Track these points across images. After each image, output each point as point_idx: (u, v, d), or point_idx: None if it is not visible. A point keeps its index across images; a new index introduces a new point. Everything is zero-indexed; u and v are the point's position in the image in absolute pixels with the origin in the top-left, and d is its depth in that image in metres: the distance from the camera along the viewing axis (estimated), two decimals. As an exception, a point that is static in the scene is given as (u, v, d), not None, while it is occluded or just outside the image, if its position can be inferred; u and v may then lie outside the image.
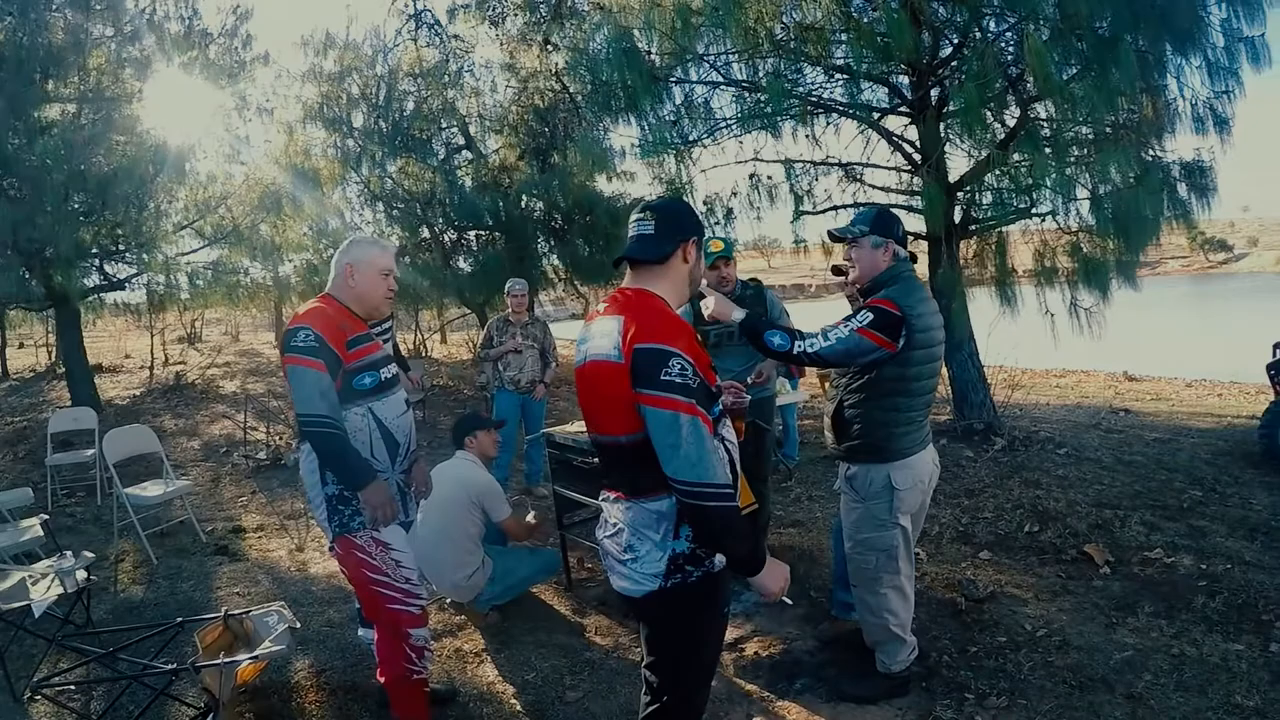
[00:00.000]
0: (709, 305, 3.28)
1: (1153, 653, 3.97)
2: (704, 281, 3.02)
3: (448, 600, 4.88)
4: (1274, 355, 7.95)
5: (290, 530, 6.52)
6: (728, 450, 2.34)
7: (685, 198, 8.24)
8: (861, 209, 3.62)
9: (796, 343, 3.20)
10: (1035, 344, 8.15)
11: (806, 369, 8.57)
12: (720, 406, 2.37)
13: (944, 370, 8.21)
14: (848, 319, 3.24)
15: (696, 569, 2.29)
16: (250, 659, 3.68)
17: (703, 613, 2.37)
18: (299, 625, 4.14)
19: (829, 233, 3.69)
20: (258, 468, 8.71)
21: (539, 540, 5.64)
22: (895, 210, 8.03)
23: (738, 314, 3.30)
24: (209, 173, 13.88)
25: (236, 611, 4.12)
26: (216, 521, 6.94)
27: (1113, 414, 10.16)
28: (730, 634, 4.26)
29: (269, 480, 8.26)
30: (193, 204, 13.46)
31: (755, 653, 4.16)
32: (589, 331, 2.37)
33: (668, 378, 2.14)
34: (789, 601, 2.65)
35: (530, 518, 4.99)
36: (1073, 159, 7.39)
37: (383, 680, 3.47)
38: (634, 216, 2.42)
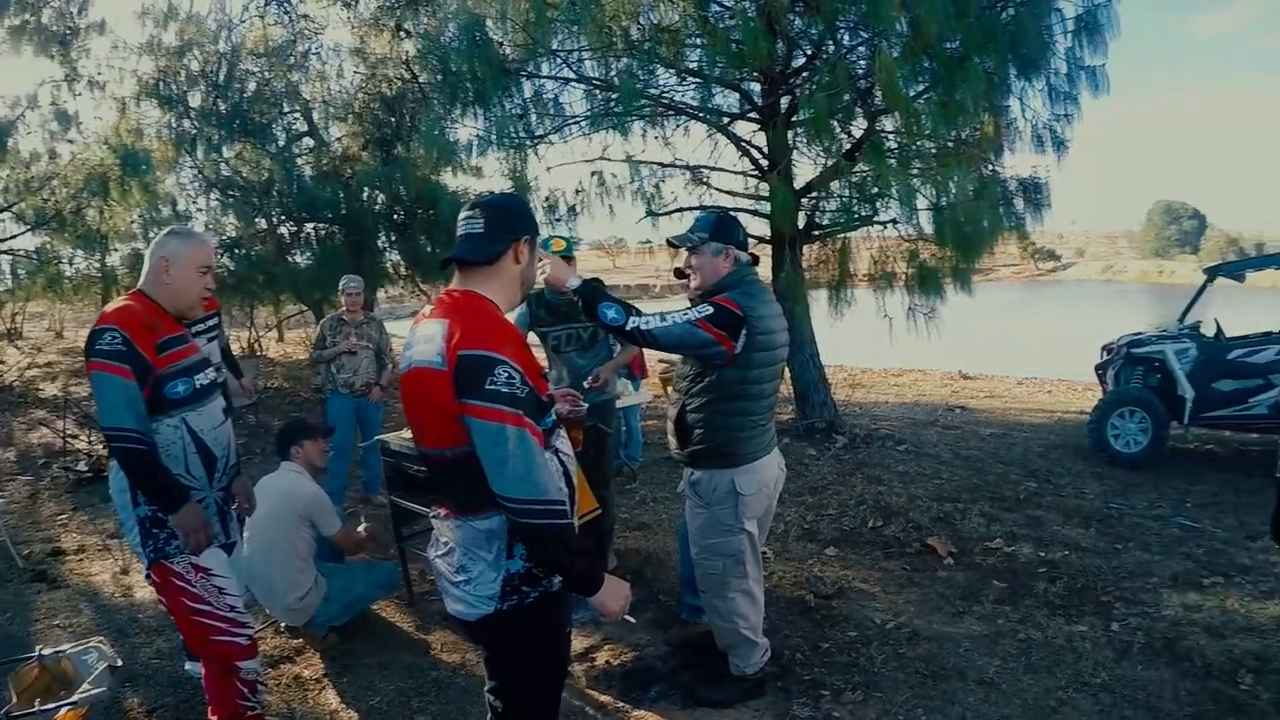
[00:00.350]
0: (545, 269, 3.14)
1: (1000, 638, 4.11)
2: (541, 274, 2.90)
3: (283, 624, 4.56)
4: (1101, 357, 8.52)
5: (114, 551, 6.00)
6: (562, 463, 2.23)
7: (530, 195, 8.15)
8: (700, 214, 3.58)
9: (631, 318, 3.10)
10: (874, 344, 8.39)
11: (649, 369, 8.51)
12: (553, 417, 2.25)
13: (786, 371, 8.39)
14: (688, 309, 3.18)
15: (533, 589, 2.16)
16: (68, 705, 3.32)
17: (543, 634, 2.26)
18: (120, 663, 3.77)
19: (669, 240, 3.63)
20: (79, 481, 8.03)
21: (376, 554, 5.38)
22: (741, 214, 8.22)
23: (574, 280, 3.15)
24: (32, 150, 13.01)
25: (51, 651, 3.72)
26: (34, 543, 6.31)
27: (949, 411, 10.63)
28: (580, 644, 4.16)
29: (90, 495, 7.61)
30: (13, 184, 12.51)
31: (606, 662, 4.06)
32: (414, 336, 2.19)
33: (493, 387, 1.99)
34: (631, 620, 2.54)
35: (362, 529, 4.73)
36: (916, 171, 7.65)
37: (214, 719, 3.18)
38: (463, 214, 2.27)
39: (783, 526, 5.77)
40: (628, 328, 3.10)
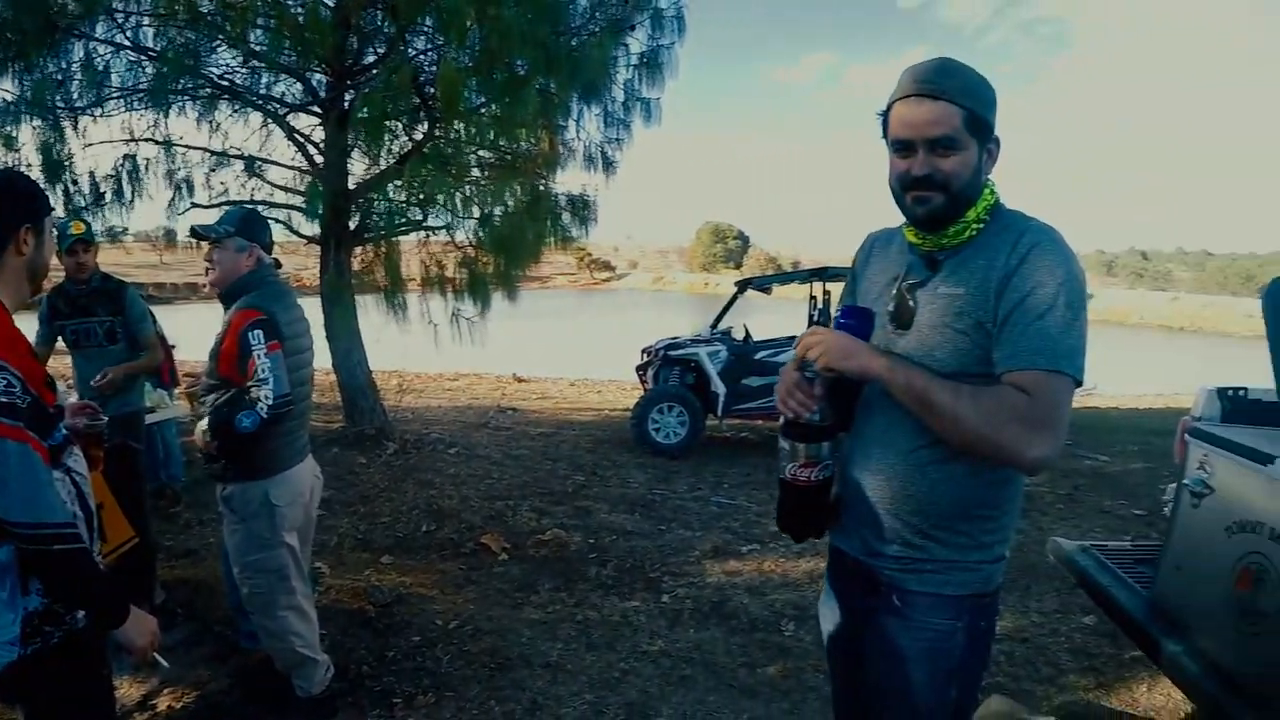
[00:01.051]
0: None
1: (560, 623, 4.35)
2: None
3: None
4: (642, 359, 9.39)
5: None
6: (76, 484, 2.00)
7: (63, 173, 7.15)
8: (230, 208, 3.41)
9: (260, 406, 2.94)
10: (429, 349, 8.44)
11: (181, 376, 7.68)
12: (64, 431, 2.01)
13: (334, 377, 8.19)
14: (250, 351, 3.00)
15: (57, 629, 1.91)
16: None
17: (75, 679, 2.00)
18: None
19: (193, 229, 3.40)
20: None
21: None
22: (293, 211, 7.90)
23: (202, 425, 3.07)
24: None
25: None
26: None
27: (501, 413, 10.98)
28: (137, 691, 3.72)
29: None
30: None
31: (169, 706, 3.65)
32: None
33: None
34: (165, 664, 2.28)
35: None
36: (471, 180, 7.87)
37: None
38: None
39: (336, 538, 5.57)
40: (267, 416, 2.94)
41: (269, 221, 3.42)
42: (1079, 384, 1.57)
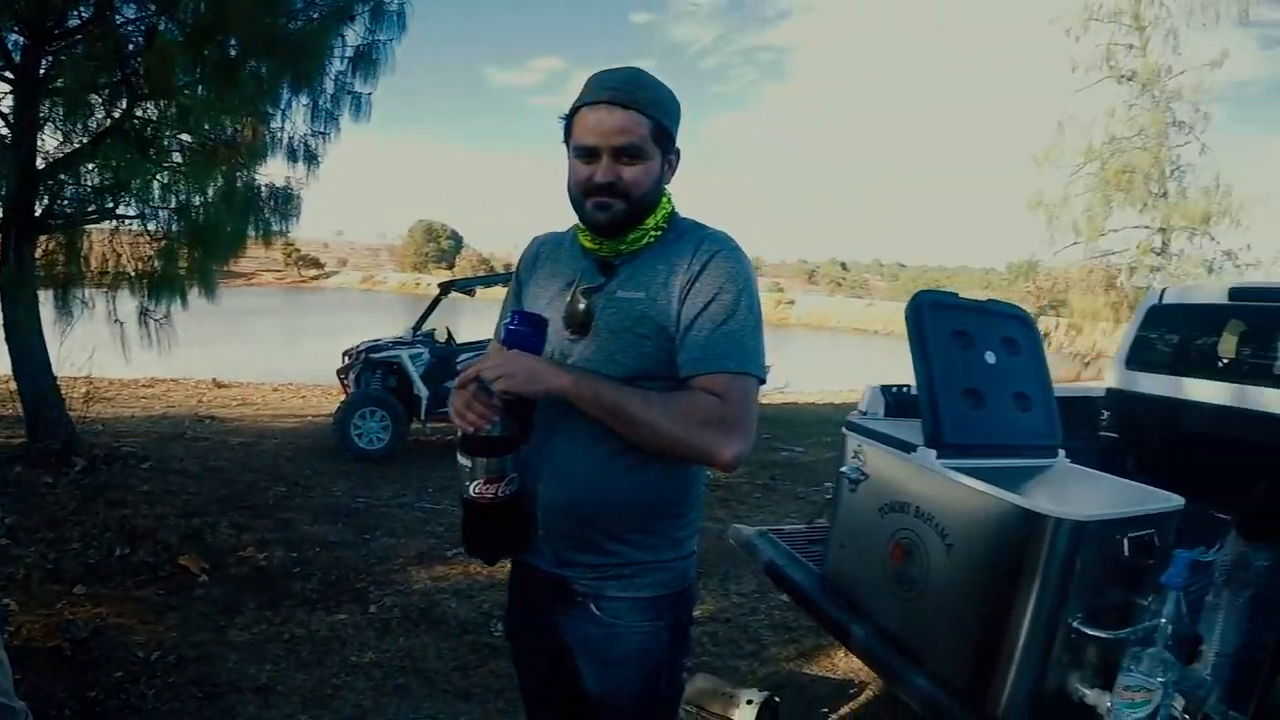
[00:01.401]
0: None
1: (267, 643, 4.20)
2: None
3: None
4: (343, 361, 9.23)
5: None
6: None
7: None
8: None
9: None
10: (120, 352, 7.76)
11: None
12: None
13: (13, 385, 7.48)
14: None
15: None
16: None
17: None
18: None
19: None
20: None
21: None
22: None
23: None
24: None
25: None
26: None
27: (198, 422, 10.41)
28: None
29: None
30: None
31: None
32: None
33: None
34: None
35: None
36: (168, 165, 7.35)
37: None
38: None
39: (22, 570, 4.97)
40: None
41: None
42: (763, 383, 1.67)
